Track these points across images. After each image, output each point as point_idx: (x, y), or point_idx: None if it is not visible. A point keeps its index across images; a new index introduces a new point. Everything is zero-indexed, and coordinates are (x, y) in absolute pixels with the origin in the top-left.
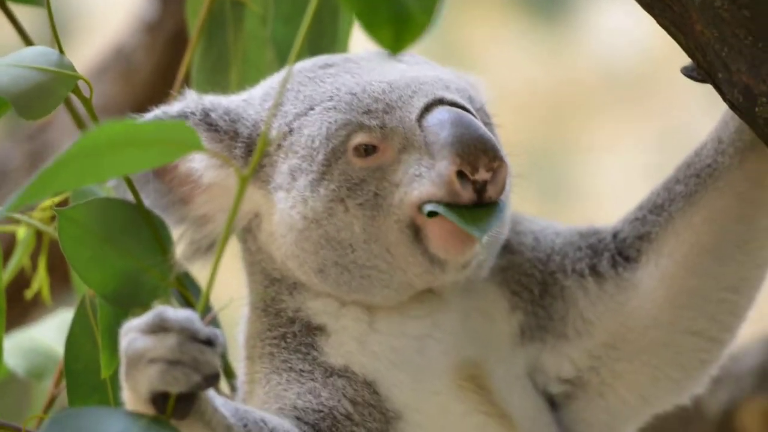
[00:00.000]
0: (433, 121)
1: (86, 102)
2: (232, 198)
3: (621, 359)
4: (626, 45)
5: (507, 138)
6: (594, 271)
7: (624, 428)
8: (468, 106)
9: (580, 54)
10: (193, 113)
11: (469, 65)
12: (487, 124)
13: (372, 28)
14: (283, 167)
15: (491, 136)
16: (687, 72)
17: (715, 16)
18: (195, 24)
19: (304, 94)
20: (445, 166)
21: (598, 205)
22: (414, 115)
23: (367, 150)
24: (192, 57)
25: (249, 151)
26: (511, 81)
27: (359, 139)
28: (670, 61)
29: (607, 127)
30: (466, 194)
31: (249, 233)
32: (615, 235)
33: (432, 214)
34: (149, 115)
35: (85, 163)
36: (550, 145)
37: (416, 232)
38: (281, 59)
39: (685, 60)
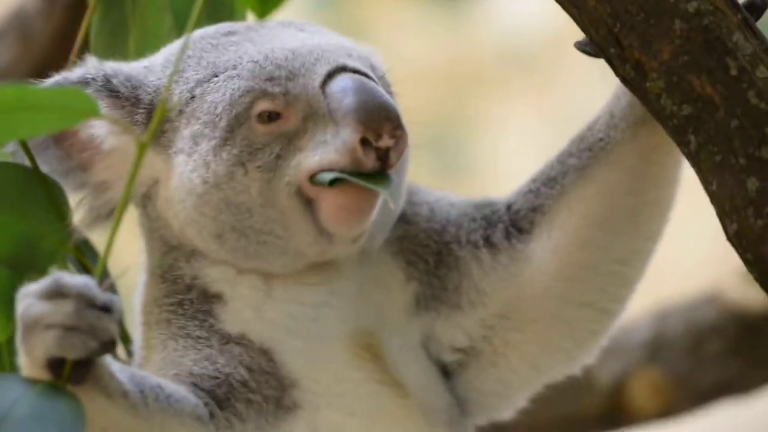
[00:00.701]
0: (336, 88)
1: None
2: (131, 164)
3: (513, 329)
4: (525, 21)
5: (407, 111)
6: (488, 242)
7: (516, 397)
8: (370, 73)
9: (480, 31)
10: (94, 79)
11: (370, 41)
12: (389, 92)
13: None
14: (185, 133)
15: (394, 103)
16: (580, 47)
17: None
18: None
19: (206, 61)
20: (348, 134)
21: (496, 179)
22: (317, 82)
23: (270, 117)
24: (90, 23)
25: (150, 117)
26: (412, 57)
27: (262, 105)
28: (568, 38)
29: (506, 103)
30: (370, 161)
31: (148, 200)
32: (509, 207)
33: (334, 182)
34: (50, 81)
35: None
36: (449, 120)
37: (307, 202)
38: (180, 27)
39: (580, 36)
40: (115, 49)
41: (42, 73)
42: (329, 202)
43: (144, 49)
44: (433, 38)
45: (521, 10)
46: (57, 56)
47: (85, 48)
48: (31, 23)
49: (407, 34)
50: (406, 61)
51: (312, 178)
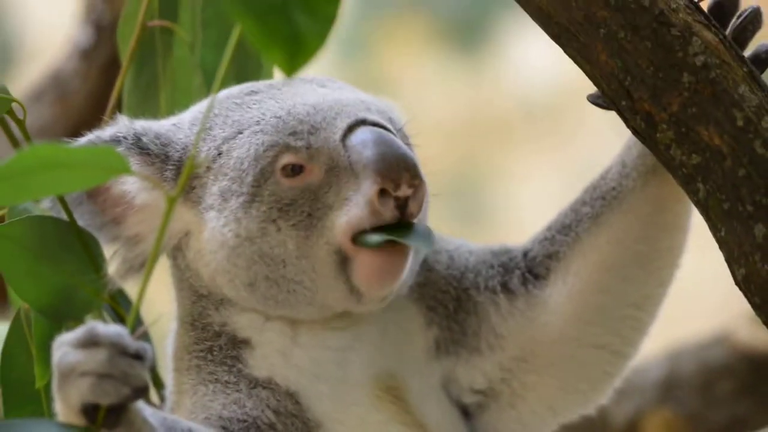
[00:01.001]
0: (357, 141)
1: (20, 123)
2: (161, 218)
3: (531, 372)
4: (541, 76)
5: (428, 161)
6: (505, 288)
7: None
8: (389, 126)
9: (499, 84)
10: (125, 137)
11: (393, 94)
12: (407, 144)
13: (267, 50)
14: (213, 189)
15: (411, 154)
16: (593, 99)
17: (618, 47)
18: (126, 51)
19: (232, 119)
20: (368, 186)
21: (513, 228)
22: (338, 136)
23: (294, 170)
24: (123, 82)
25: (179, 173)
26: (433, 110)
27: (286, 159)
28: (582, 91)
29: (523, 155)
30: (388, 212)
31: (179, 251)
32: (525, 254)
33: (369, 243)
34: (83, 140)
35: (16, 182)
36: (469, 171)
37: (343, 260)
38: (209, 84)
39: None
40: (147, 107)
41: (79, 131)
42: (366, 263)
43: (175, 107)
44: (454, 91)
45: (538, 65)
46: (93, 115)
47: (118, 106)
48: (68, 84)
49: (429, 88)
50: (428, 114)
51: (355, 239)
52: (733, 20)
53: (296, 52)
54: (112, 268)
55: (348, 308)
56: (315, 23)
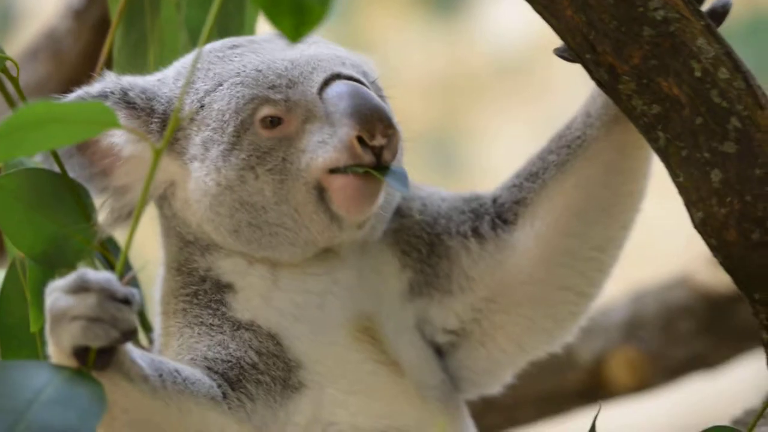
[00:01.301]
0: (332, 94)
1: (14, 81)
2: (148, 169)
3: (500, 312)
4: (512, 34)
5: (405, 116)
6: (476, 232)
7: (503, 374)
8: (363, 79)
9: (473, 43)
10: (112, 93)
11: (372, 52)
12: (380, 96)
13: (274, 18)
14: (196, 139)
15: (385, 106)
16: (559, 53)
17: (583, 2)
18: (115, 10)
19: (213, 72)
20: (345, 132)
21: (487, 179)
22: (315, 89)
23: (273, 121)
24: (113, 40)
25: (164, 125)
26: (412, 69)
27: (265, 111)
28: (550, 48)
29: (496, 109)
30: (367, 157)
31: (165, 200)
32: (494, 200)
33: (346, 170)
34: (73, 96)
35: (12, 138)
36: (445, 125)
37: (321, 193)
38: (194, 42)
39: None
40: (136, 63)
41: (72, 87)
42: (343, 187)
43: (162, 64)
44: (432, 51)
45: (509, 24)
46: (85, 71)
47: (109, 63)
48: (61, 42)
49: (408, 48)
50: (407, 72)
51: (332, 172)
52: None
53: (302, 21)
54: (101, 217)
55: (330, 239)
56: None
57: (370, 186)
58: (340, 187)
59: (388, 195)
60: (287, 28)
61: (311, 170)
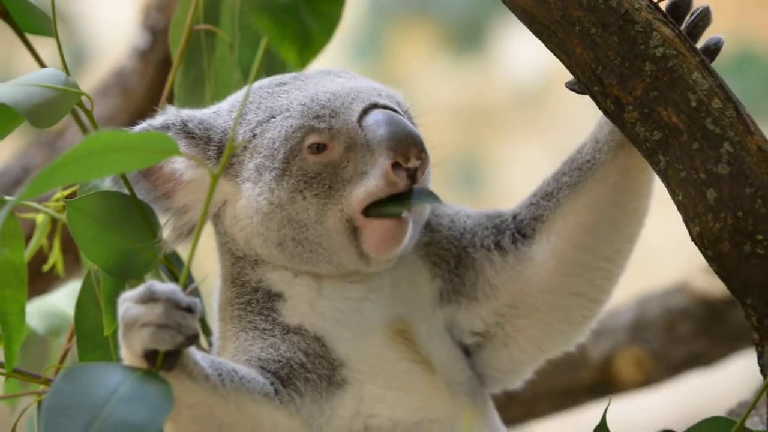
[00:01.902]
0: (371, 121)
1: (88, 113)
2: (206, 191)
3: (520, 316)
4: (529, 69)
5: (433, 142)
6: (498, 246)
7: (523, 371)
8: (397, 108)
9: (493, 77)
10: (173, 124)
11: (403, 86)
12: (413, 123)
13: (279, 45)
14: (249, 165)
15: (418, 132)
16: (570, 86)
17: (591, 41)
18: (176, 51)
19: (265, 105)
20: (383, 160)
21: (507, 199)
22: (355, 117)
23: (319, 148)
24: (174, 78)
25: (220, 152)
26: (439, 101)
27: (312, 139)
28: (562, 82)
29: (515, 136)
30: (402, 181)
31: (218, 218)
32: (515, 217)
33: (382, 213)
34: (138, 127)
35: (84, 163)
36: (470, 151)
37: (353, 229)
38: (245, 79)
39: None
40: (195, 98)
41: (139, 119)
42: (375, 232)
43: (217, 98)
44: (456, 84)
45: (527, 60)
46: (150, 106)
47: (171, 98)
48: (129, 80)
49: (435, 81)
50: (435, 103)
51: (367, 211)
52: (687, 17)
53: (305, 47)
54: (165, 234)
55: (358, 269)
56: (321, 23)
57: (400, 229)
58: (372, 230)
59: (417, 215)
60: (292, 55)
61: (351, 202)
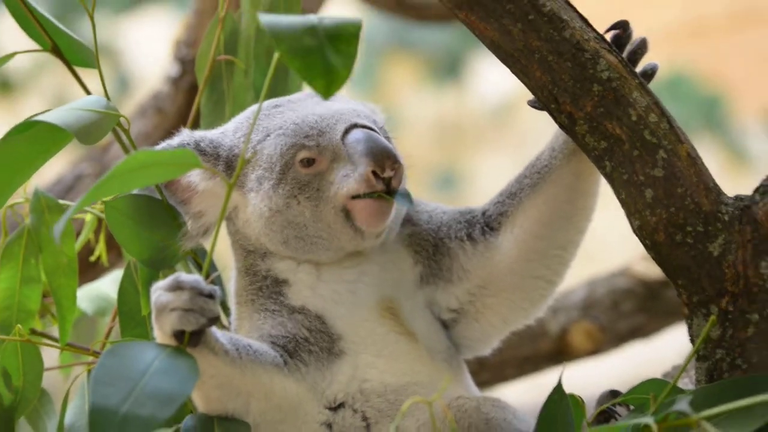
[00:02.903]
0: (352, 139)
1: (126, 132)
2: (217, 198)
3: (489, 296)
4: (500, 93)
5: (418, 155)
6: (470, 237)
7: (492, 341)
8: (374, 126)
9: (470, 100)
10: (188, 143)
11: (393, 109)
12: (387, 137)
13: (310, 81)
14: (252, 176)
15: (391, 146)
16: (531, 104)
17: (548, 66)
18: (202, 78)
19: (263, 126)
20: (363, 169)
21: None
22: (338, 136)
23: (309, 162)
24: (200, 100)
25: (227, 166)
26: (423, 121)
27: (303, 155)
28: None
29: (487, 149)
30: (379, 185)
31: (230, 221)
32: (484, 213)
33: (364, 196)
34: (159, 146)
35: (125, 177)
36: (448, 160)
37: (347, 214)
38: (258, 99)
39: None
40: (216, 117)
41: (172, 135)
42: (363, 208)
43: (235, 115)
44: (438, 107)
45: (498, 86)
46: (181, 123)
47: (197, 117)
48: (164, 102)
49: (418, 104)
50: (420, 123)
51: (353, 198)
52: (628, 47)
53: (331, 81)
54: (185, 233)
55: (356, 246)
56: (342, 60)
57: (384, 206)
58: (361, 208)
59: (397, 210)
60: (320, 88)
61: (338, 198)
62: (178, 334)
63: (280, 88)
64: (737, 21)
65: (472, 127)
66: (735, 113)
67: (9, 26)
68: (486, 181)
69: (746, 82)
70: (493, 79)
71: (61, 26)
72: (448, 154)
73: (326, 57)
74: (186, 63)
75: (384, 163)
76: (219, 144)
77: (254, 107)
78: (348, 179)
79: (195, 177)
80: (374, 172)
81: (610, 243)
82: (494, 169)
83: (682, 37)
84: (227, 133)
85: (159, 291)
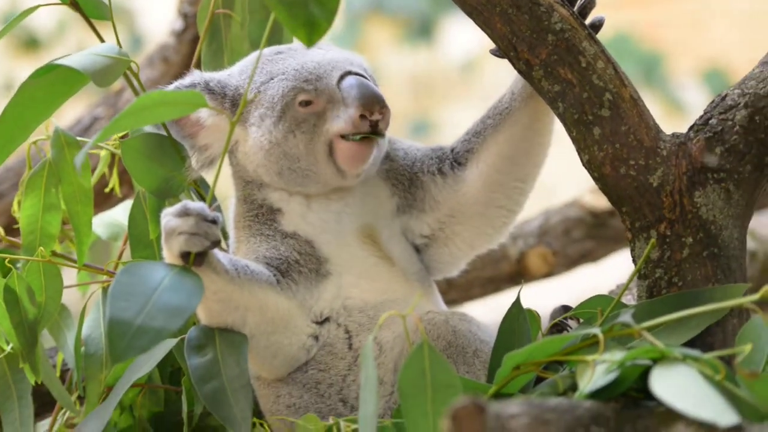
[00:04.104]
0: (346, 85)
1: (136, 76)
2: (222, 133)
3: (457, 223)
4: (469, 46)
5: (395, 107)
6: (440, 171)
7: (460, 264)
8: (365, 74)
9: (442, 55)
10: (198, 83)
11: (373, 65)
12: (375, 84)
13: (293, 30)
14: (255, 113)
15: (380, 92)
16: (493, 52)
17: (508, 18)
18: (202, 30)
19: (266, 70)
20: (353, 111)
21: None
22: (334, 81)
23: (307, 103)
24: (201, 50)
25: (233, 104)
26: (399, 75)
27: (301, 97)
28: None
29: (457, 98)
30: (365, 127)
31: (231, 153)
32: (452, 150)
33: (349, 138)
34: (171, 86)
35: (137, 115)
36: (423, 110)
37: (331, 151)
38: (253, 48)
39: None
40: (216, 64)
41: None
42: (345, 150)
43: (231, 63)
44: (411, 62)
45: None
46: (184, 71)
47: (198, 65)
48: (169, 52)
49: (394, 60)
50: (394, 76)
51: (342, 137)
52: (578, 2)
53: (312, 32)
54: (191, 165)
55: (338, 183)
56: (324, 12)
57: (364, 150)
58: (343, 149)
59: (378, 152)
60: (303, 37)
61: (328, 133)
62: (185, 255)
63: (275, 39)
64: None
65: (443, 81)
66: (672, 71)
67: None
68: (455, 129)
69: (682, 45)
70: (461, 40)
71: None
72: (422, 105)
73: (309, 9)
74: (189, 18)
75: (373, 107)
76: (226, 84)
77: (256, 53)
78: (339, 119)
79: (203, 113)
80: (363, 116)
81: (562, 177)
82: (462, 119)
83: (626, 4)
84: (233, 74)
85: (168, 216)
